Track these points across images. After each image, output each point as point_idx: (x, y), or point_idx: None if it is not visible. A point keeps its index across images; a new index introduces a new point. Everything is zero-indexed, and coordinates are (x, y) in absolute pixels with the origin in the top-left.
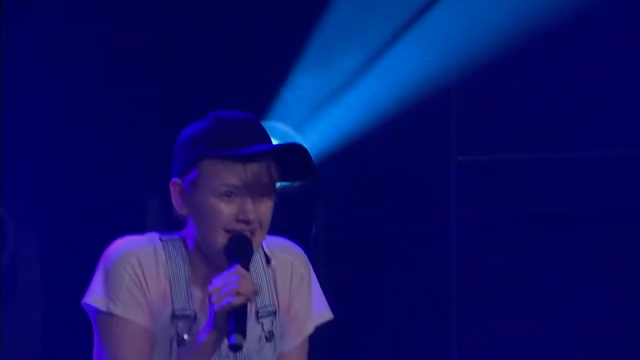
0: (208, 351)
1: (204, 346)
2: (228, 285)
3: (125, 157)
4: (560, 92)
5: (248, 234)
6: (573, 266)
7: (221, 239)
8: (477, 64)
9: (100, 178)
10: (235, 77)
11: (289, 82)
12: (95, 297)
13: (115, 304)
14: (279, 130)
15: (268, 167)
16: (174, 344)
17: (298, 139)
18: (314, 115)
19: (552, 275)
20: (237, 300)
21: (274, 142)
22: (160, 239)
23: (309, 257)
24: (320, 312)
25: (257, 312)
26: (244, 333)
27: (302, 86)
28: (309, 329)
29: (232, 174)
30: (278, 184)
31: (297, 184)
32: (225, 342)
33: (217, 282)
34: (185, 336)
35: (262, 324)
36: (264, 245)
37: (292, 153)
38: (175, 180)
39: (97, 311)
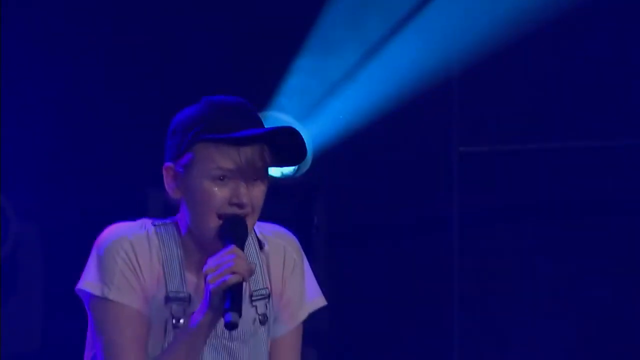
0: (203, 331)
1: (199, 326)
2: (223, 264)
3: (126, 154)
4: (562, 83)
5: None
6: (576, 256)
7: (214, 223)
8: (479, 54)
9: (100, 173)
10: (236, 73)
11: (291, 72)
12: (89, 282)
13: (110, 289)
14: (281, 121)
15: (261, 151)
16: (169, 326)
17: (300, 128)
18: (316, 106)
19: (555, 266)
20: (232, 279)
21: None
22: (153, 224)
23: (310, 246)
24: (313, 299)
25: (250, 295)
26: (239, 311)
27: (304, 77)
28: (302, 315)
29: (225, 158)
30: (279, 174)
31: (298, 174)
32: (221, 322)
33: (212, 261)
34: (181, 320)
35: (256, 307)
36: (256, 231)
37: (285, 137)
38: (168, 164)
39: (92, 296)
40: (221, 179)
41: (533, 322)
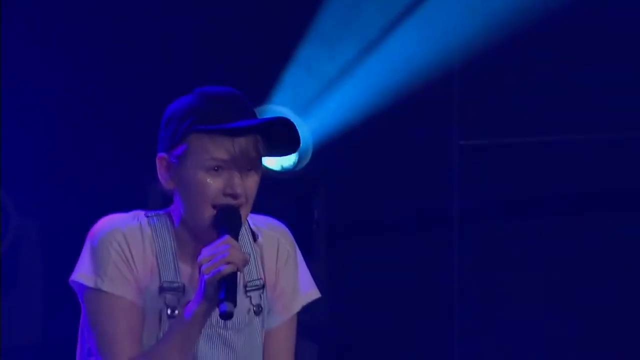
0: (198, 321)
1: (194, 316)
2: (218, 254)
3: (126, 153)
4: (562, 75)
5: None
6: (578, 250)
7: (208, 213)
8: (479, 47)
9: (100, 172)
10: (236, 71)
11: (291, 66)
12: (82, 274)
13: (103, 280)
14: (275, 112)
15: (255, 141)
16: (164, 316)
17: (300, 122)
18: (316, 100)
19: (557, 259)
20: (227, 269)
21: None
22: (146, 215)
23: (310, 240)
24: (307, 291)
25: (245, 286)
26: (234, 301)
27: (303, 70)
28: (296, 307)
29: (219, 149)
30: (279, 168)
31: (298, 168)
32: (215, 312)
33: (207, 251)
34: (176, 310)
35: (250, 297)
36: (250, 222)
37: (279, 127)
38: (162, 155)
39: (85, 288)
40: (215, 169)
41: (534, 315)
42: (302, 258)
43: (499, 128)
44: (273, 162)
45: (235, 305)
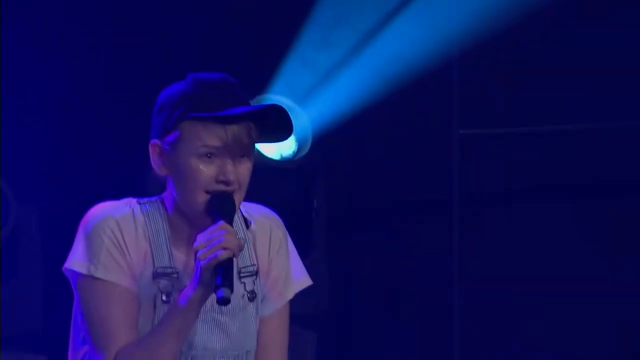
0: (194, 307)
1: (190, 302)
2: (214, 240)
3: (126, 153)
4: (562, 65)
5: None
6: (578, 240)
7: (202, 198)
8: (479, 36)
9: (100, 171)
10: (236, 65)
11: (290, 54)
12: (75, 261)
13: (96, 267)
14: (281, 104)
15: (248, 128)
16: (158, 302)
17: (299, 111)
18: (315, 90)
19: (556, 250)
20: (223, 255)
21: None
22: (139, 202)
23: (310, 229)
24: (299, 278)
25: (239, 272)
26: (231, 287)
27: (303, 59)
28: (290, 294)
29: (212, 135)
30: (278, 157)
31: (298, 157)
32: (211, 297)
33: (202, 237)
34: (170, 296)
35: (244, 283)
36: (242, 210)
37: (272, 114)
38: (155, 141)
39: (79, 275)
40: (208, 156)
41: (534, 305)
42: (293, 246)
43: (499, 117)
44: (273, 151)
45: (232, 290)
